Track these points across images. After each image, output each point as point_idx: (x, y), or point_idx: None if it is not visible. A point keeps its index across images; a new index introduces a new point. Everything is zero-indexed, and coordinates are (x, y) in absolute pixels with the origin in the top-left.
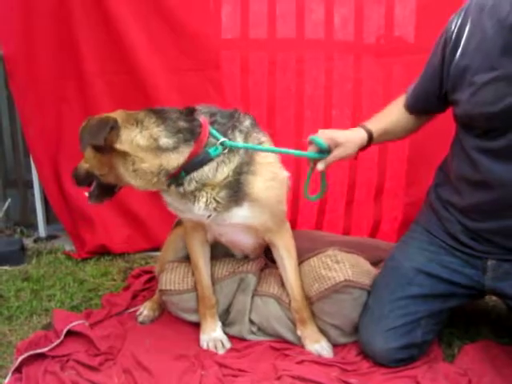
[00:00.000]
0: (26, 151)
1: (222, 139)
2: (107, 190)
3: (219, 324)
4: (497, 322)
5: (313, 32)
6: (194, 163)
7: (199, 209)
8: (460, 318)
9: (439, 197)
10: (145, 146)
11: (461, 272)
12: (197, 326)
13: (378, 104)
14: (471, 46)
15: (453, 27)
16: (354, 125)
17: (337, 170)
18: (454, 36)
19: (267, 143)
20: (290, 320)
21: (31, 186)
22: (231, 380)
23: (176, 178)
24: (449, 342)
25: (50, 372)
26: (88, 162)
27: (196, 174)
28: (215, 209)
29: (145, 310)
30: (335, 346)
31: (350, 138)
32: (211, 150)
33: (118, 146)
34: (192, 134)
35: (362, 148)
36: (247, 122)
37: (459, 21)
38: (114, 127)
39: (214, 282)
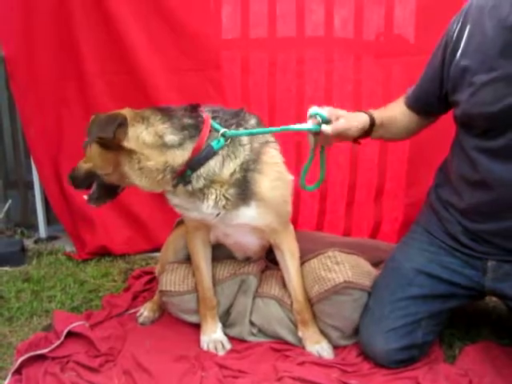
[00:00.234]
0: (27, 152)
1: (223, 130)
2: (109, 192)
3: (220, 325)
4: (497, 322)
5: (313, 32)
6: (199, 159)
7: (208, 207)
8: (461, 319)
9: (439, 197)
10: (150, 143)
11: (461, 273)
12: (197, 327)
13: (377, 105)
14: (471, 46)
15: (454, 28)
16: None
17: (337, 171)
18: (454, 37)
19: (273, 143)
20: (291, 321)
21: (32, 187)
22: (231, 381)
23: (182, 176)
24: (449, 342)
25: (50, 373)
26: (92, 160)
27: (203, 170)
28: (224, 206)
29: (145, 311)
30: (336, 347)
31: (352, 114)
32: (214, 143)
33: (126, 143)
34: (197, 130)
35: (364, 134)
36: (253, 121)
37: (460, 22)
38: (122, 123)
39: (214, 283)
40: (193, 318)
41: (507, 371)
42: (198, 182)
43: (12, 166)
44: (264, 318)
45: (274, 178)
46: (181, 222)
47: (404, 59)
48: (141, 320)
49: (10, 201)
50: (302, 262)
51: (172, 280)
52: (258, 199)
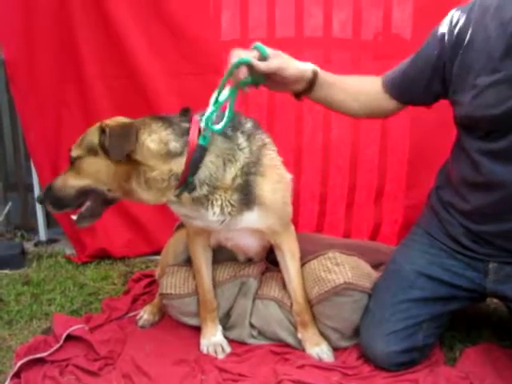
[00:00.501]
0: (27, 155)
1: (203, 124)
2: (103, 207)
3: (220, 328)
4: (498, 324)
5: (311, 35)
6: (194, 160)
7: (214, 214)
8: (461, 321)
9: (440, 199)
10: (156, 152)
11: (462, 275)
12: (197, 329)
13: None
14: (474, 47)
15: (454, 22)
16: (354, 128)
17: (337, 172)
18: (455, 34)
19: (270, 144)
20: (291, 323)
21: (32, 190)
22: None
23: (186, 183)
24: (450, 345)
25: (49, 377)
26: (92, 175)
27: (203, 176)
28: (230, 213)
29: (145, 314)
30: (336, 349)
31: (294, 60)
32: (200, 141)
33: (133, 155)
34: None
35: (307, 89)
36: (249, 124)
37: (462, 19)
38: (139, 132)
39: (215, 285)
40: (193, 321)
41: (508, 373)
42: (201, 188)
43: (12, 169)
44: (264, 320)
45: (276, 181)
46: (181, 226)
47: (402, 59)
48: (140, 323)
49: (10, 203)
50: (302, 264)
51: (172, 283)
52: (261, 202)
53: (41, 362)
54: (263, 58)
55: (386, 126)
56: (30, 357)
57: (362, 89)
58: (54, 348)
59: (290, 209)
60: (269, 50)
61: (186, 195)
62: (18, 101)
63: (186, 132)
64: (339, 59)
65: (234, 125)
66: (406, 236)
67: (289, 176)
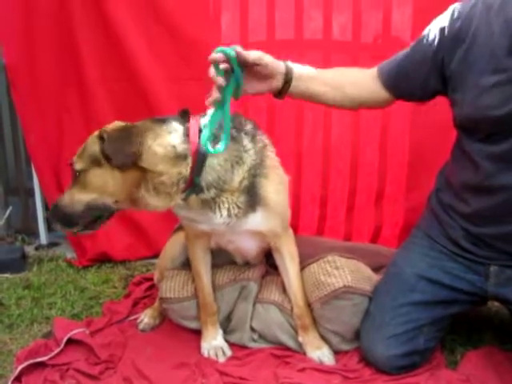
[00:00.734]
0: (28, 159)
1: (202, 124)
2: (104, 220)
3: (220, 332)
4: (499, 327)
5: (311, 38)
6: (199, 160)
7: (221, 216)
8: (462, 325)
9: (440, 201)
10: (163, 155)
11: (463, 278)
12: (198, 333)
13: (376, 110)
14: (477, 43)
15: (455, 16)
16: (354, 131)
17: (337, 176)
18: (456, 28)
19: (270, 145)
20: (291, 327)
21: (32, 194)
22: None
23: (193, 185)
24: (451, 348)
25: (50, 381)
26: (98, 189)
27: (211, 177)
28: (236, 215)
29: (145, 318)
30: (337, 352)
31: (267, 55)
32: (203, 141)
33: (139, 162)
34: None
35: (283, 86)
36: (249, 126)
37: (464, 14)
38: (140, 135)
39: (215, 289)
40: (193, 325)
41: (509, 377)
42: (209, 191)
43: (13, 173)
44: (264, 324)
45: (278, 182)
46: (178, 229)
47: None
48: (141, 327)
49: (10, 207)
50: (302, 267)
51: (172, 287)
52: (265, 204)
53: (41, 366)
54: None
55: (386, 128)
56: (31, 361)
57: (348, 80)
58: (55, 352)
59: (289, 211)
60: (238, 48)
61: (193, 198)
62: (19, 105)
63: (187, 133)
64: (339, 62)
65: (237, 126)
66: (406, 239)
67: (287, 177)
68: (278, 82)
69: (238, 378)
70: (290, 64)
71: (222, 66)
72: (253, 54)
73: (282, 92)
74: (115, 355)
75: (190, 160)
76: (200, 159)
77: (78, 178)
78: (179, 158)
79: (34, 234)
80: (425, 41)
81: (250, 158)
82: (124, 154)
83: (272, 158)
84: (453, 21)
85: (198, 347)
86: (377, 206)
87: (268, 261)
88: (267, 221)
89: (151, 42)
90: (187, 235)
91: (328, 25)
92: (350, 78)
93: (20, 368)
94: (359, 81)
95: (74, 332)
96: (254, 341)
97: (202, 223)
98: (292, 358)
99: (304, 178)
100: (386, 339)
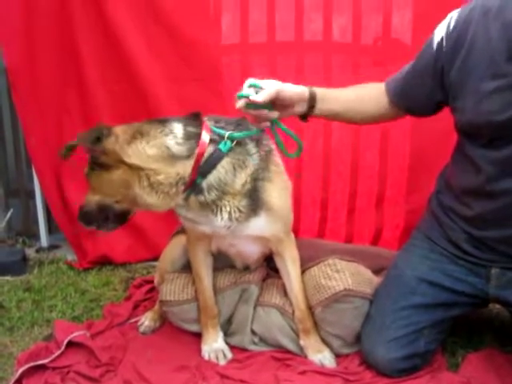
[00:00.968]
0: (29, 161)
1: (228, 132)
2: (116, 223)
3: (221, 334)
4: (500, 330)
5: (311, 40)
6: (208, 162)
7: (222, 219)
8: (463, 327)
9: (441, 204)
10: (156, 156)
11: (464, 280)
12: (198, 336)
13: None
14: (475, 49)
15: (453, 25)
16: (354, 134)
17: (338, 178)
18: (454, 36)
19: (275, 150)
20: (292, 330)
21: (33, 196)
22: None
23: (193, 185)
24: (452, 350)
25: None
26: (99, 190)
27: (213, 179)
28: (237, 219)
29: (146, 321)
30: (338, 355)
31: (289, 84)
32: (221, 146)
33: (127, 159)
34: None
35: (309, 109)
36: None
37: (461, 21)
38: (104, 133)
39: (215, 292)
40: (193, 327)
41: (510, 379)
42: (209, 193)
43: (14, 175)
44: (265, 327)
45: (282, 187)
46: (178, 233)
47: (402, 64)
48: (142, 329)
49: (11, 210)
50: (303, 271)
51: (172, 289)
52: (268, 208)
53: (42, 368)
54: (259, 91)
55: (387, 131)
56: (32, 364)
57: (364, 99)
58: (56, 355)
59: (292, 215)
60: (261, 82)
61: (193, 199)
62: (19, 107)
63: (194, 136)
64: (339, 63)
65: (242, 130)
66: (406, 241)
67: (290, 183)
68: (301, 108)
69: (238, 381)
70: (314, 89)
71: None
72: (268, 94)
73: (306, 116)
74: (116, 358)
75: (191, 162)
76: (212, 162)
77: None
78: (175, 158)
79: (35, 236)
80: (426, 53)
81: (253, 162)
82: (85, 141)
83: (277, 164)
84: (450, 30)
85: (199, 350)
86: (377, 208)
87: (268, 264)
88: (270, 225)
89: (151, 43)
90: (188, 238)
91: (328, 26)
92: (366, 96)
93: (21, 371)
94: (374, 99)
95: (75, 335)
96: (254, 344)
97: (203, 225)
98: (293, 361)
99: (305, 181)
100: (386, 342)
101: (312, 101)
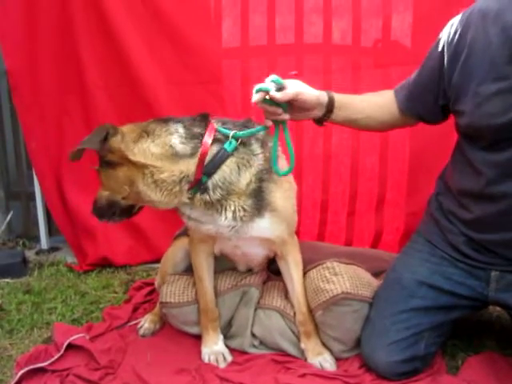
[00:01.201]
0: (29, 164)
1: (233, 132)
2: (122, 216)
3: (221, 337)
4: (501, 333)
5: (312, 43)
6: (214, 161)
7: (226, 218)
8: (463, 330)
9: (440, 206)
10: (160, 154)
11: (463, 283)
12: (198, 338)
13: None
14: (475, 54)
15: (453, 31)
16: (354, 136)
17: (338, 181)
18: (455, 41)
19: (281, 153)
20: (293, 333)
21: (34, 199)
22: None
23: (198, 184)
24: (452, 353)
25: None
26: (108, 186)
27: (218, 178)
28: (241, 218)
29: (146, 323)
30: (338, 359)
31: (310, 88)
32: (226, 145)
33: (132, 157)
34: None
35: (326, 114)
36: (261, 132)
37: (461, 26)
38: (110, 133)
39: (216, 294)
40: (194, 330)
41: (510, 383)
42: (214, 192)
43: (14, 178)
44: (265, 330)
45: (287, 188)
46: (180, 236)
47: (403, 68)
48: (141, 332)
49: (11, 212)
50: (303, 273)
51: (172, 291)
52: (272, 209)
53: (41, 371)
54: (280, 88)
55: (386, 133)
56: (31, 366)
57: (378, 106)
58: (55, 357)
59: (296, 217)
60: (285, 81)
61: (198, 197)
62: (20, 110)
63: (199, 135)
64: (339, 66)
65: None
66: (406, 244)
67: (295, 185)
68: (319, 112)
69: None
70: (333, 94)
71: (269, 110)
72: (289, 94)
73: (322, 120)
74: (115, 361)
75: (195, 161)
76: (217, 162)
77: None
78: (179, 157)
79: (35, 238)
80: (430, 60)
81: (257, 162)
82: (79, 147)
83: (282, 165)
84: (451, 35)
85: (199, 352)
86: (377, 211)
87: (269, 267)
88: (275, 226)
89: (152, 47)
90: (191, 239)
91: (328, 29)
92: (379, 103)
93: (20, 373)
94: (386, 106)
95: (74, 337)
96: (254, 347)
97: (207, 224)
98: (293, 364)
99: (305, 183)
100: (386, 345)
101: (330, 106)
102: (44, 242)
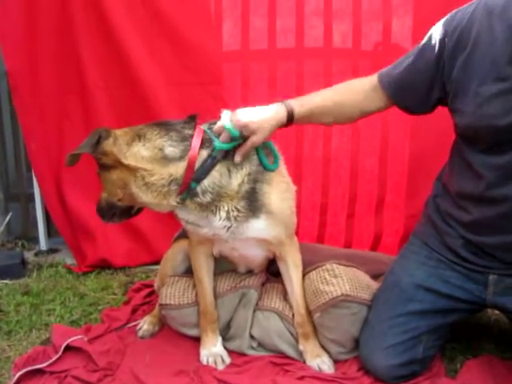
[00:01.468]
0: (29, 165)
1: (216, 143)
2: (125, 214)
3: (220, 339)
4: (499, 336)
5: (312, 47)
6: (203, 167)
7: (220, 219)
8: (462, 333)
9: (438, 208)
10: (150, 157)
11: (461, 287)
12: (197, 340)
13: (376, 117)
14: (478, 49)
15: (456, 22)
16: (354, 138)
17: (337, 183)
18: (457, 33)
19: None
20: (291, 335)
21: (33, 200)
22: None
23: (188, 190)
24: (451, 356)
25: None
26: (105, 188)
27: (207, 183)
28: (235, 218)
29: (145, 325)
30: (336, 361)
31: (265, 120)
32: (215, 152)
33: (124, 160)
34: None
35: (284, 126)
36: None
37: (465, 19)
38: (102, 136)
39: (215, 296)
40: (193, 332)
41: None
42: (205, 196)
43: (14, 179)
44: (264, 331)
45: (283, 189)
46: (179, 238)
47: None
48: (140, 334)
49: (10, 213)
50: (302, 275)
51: (171, 293)
52: (268, 211)
53: (40, 372)
54: (235, 137)
55: (386, 135)
56: (29, 368)
57: (347, 101)
58: (53, 359)
59: (295, 219)
60: (237, 127)
61: (189, 201)
62: (20, 111)
63: (188, 138)
64: (339, 69)
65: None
66: (404, 246)
67: (294, 187)
68: (279, 124)
69: None
70: (291, 107)
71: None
72: (251, 145)
73: (286, 126)
74: (114, 362)
75: (185, 163)
76: (207, 167)
77: None
78: (168, 160)
79: (34, 239)
80: (427, 49)
81: (249, 164)
82: (75, 152)
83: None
84: (453, 27)
85: (197, 354)
86: (377, 213)
87: (268, 268)
88: (271, 228)
89: (153, 49)
90: (190, 241)
91: (328, 33)
92: (347, 96)
93: (18, 375)
94: (358, 96)
95: (73, 339)
96: (252, 349)
97: (203, 227)
98: (291, 366)
99: (304, 185)
100: (384, 349)
101: (289, 117)
102: (43, 244)
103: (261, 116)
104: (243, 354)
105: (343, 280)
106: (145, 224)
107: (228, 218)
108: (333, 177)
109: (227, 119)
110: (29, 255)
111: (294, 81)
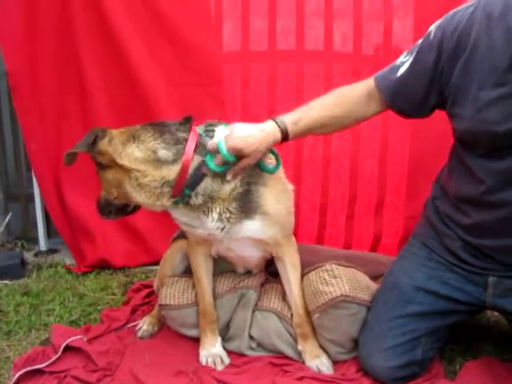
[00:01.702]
0: (28, 165)
1: (208, 166)
2: (121, 211)
3: (219, 339)
4: (498, 337)
5: (312, 49)
6: (196, 175)
7: (213, 220)
8: (462, 335)
9: (437, 210)
10: (143, 159)
11: (461, 289)
12: (196, 341)
13: (376, 119)
14: (477, 54)
15: (454, 25)
16: (354, 140)
17: (337, 184)
18: (456, 36)
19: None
20: (290, 335)
21: (32, 200)
22: None
23: (181, 195)
24: (450, 358)
25: None
26: (102, 187)
27: (200, 189)
28: (228, 219)
29: (144, 325)
30: (335, 362)
31: (260, 143)
32: (208, 161)
33: (119, 160)
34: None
35: (282, 142)
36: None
37: (463, 22)
38: (98, 136)
39: (214, 297)
40: (192, 332)
41: None
42: (197, 198)
43: (13, 179)
44: (263, 332)
45: (279, 191)
46: (177, 238)
47: None
48: (140, 334)
49: (10, 213)
50: (301, 276)
51: (171, 293)
52: (263, 212)
53: (39, 373)
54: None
55: (386, 137)
56: (29, 368)
57: (344, 112)
58: (53, 359)
59: (292, 219)
60: (230, 151)
61: (181, 205)
62: (20, 112)
63: (182, 141)
64: (340, 73)
65: None
66: (403, 247)
67: (291, 187)
68: (274, 144)
69: None
70: (286, 123)
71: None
72: (244, 166)
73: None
74: (113, 363)
75: (177, 167)
76: (198, 175)
77: None
78: (161, 162)
79: (34, 240)
80: (424, 52)
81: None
82: (71, 151)
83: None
84: (451, 30)
85: (197, 355)
86: (377, 214)
87: (267, 269)
88: (266, 228)
89: (152, 49)
90: (189, 242)
91: (329, 35)
92: (344, 107)
93: (17, 375)
94: (355, 106)
95: (72, 339)
96: (252, 349)
97: (197, 228)
98: (290, 367)
99: (304, 186)
100: (383, 350)
101: (283, 135)
102: (42, 244)
103: (255, 138)
104: (242, 355)
105: (342, 281)
106: (144, 224)
107: (220, 220)
108: (333, 178)
109: (222, 138)
110: (28, 255)
111: (294, 82)
